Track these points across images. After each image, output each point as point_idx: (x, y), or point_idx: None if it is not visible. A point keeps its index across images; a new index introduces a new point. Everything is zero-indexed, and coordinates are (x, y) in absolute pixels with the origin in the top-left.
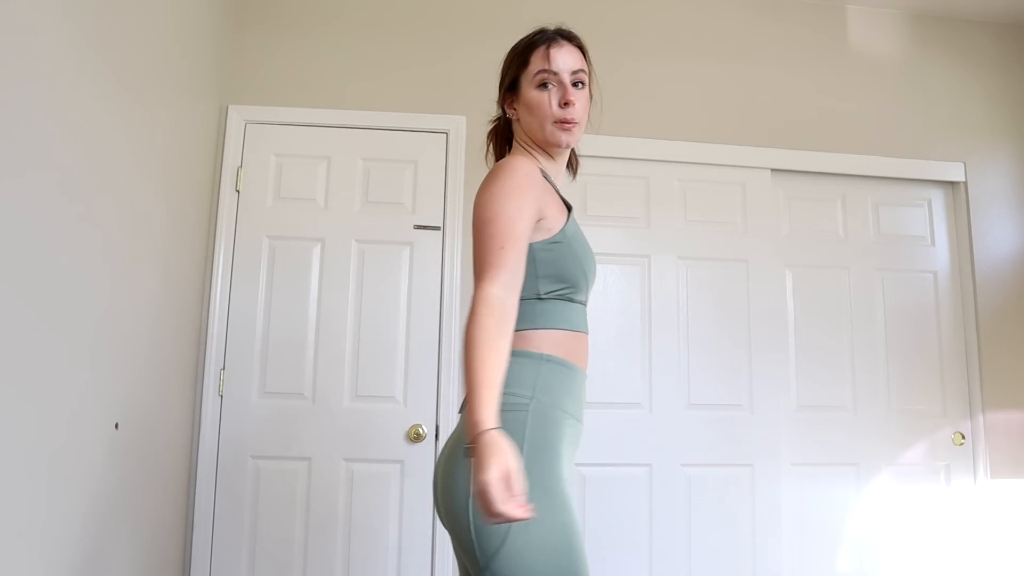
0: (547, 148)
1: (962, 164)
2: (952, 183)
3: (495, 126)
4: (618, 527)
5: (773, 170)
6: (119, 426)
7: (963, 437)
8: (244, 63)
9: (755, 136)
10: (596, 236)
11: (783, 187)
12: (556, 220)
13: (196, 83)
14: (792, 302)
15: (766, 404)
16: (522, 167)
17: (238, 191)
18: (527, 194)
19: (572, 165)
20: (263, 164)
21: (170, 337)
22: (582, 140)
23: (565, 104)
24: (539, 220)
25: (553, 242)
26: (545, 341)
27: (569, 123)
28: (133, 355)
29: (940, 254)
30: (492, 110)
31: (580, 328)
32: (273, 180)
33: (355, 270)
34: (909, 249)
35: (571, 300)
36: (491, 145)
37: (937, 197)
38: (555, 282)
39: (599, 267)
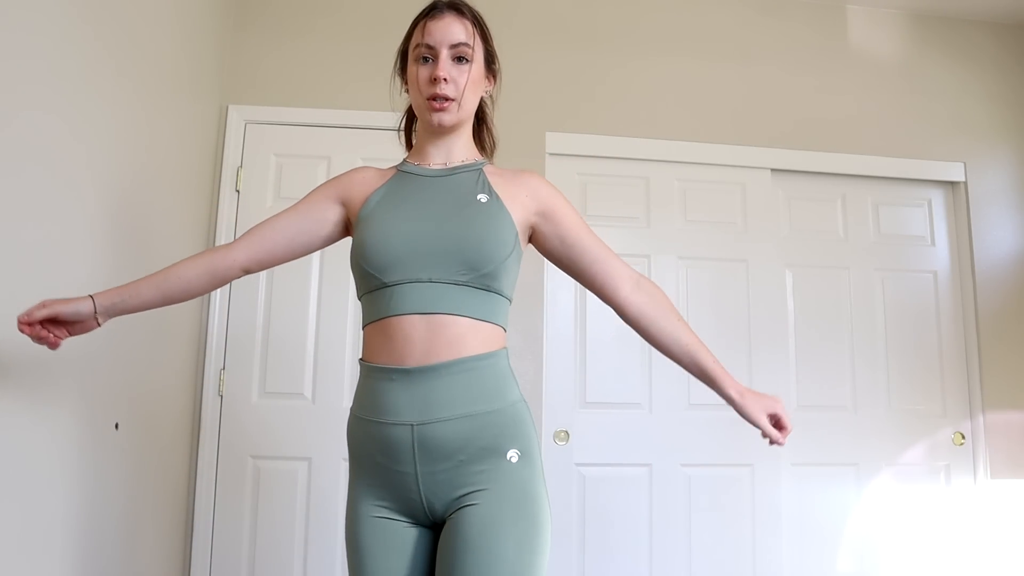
0: (429, 130)
1: (962, 164)
2: (952, 183)
3: (408, 110)
4: (618, 527)
5: (773, 170)
6: (119, 426)
7: (963, 437)
8: (244, 63)
9: (755, 136)
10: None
11: (783, 187)
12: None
13: (196, 83)
14: (792, 302)
15: None
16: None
17: (238, 191)
18: (328, 184)
19: (484, 143)
20: (263, 164)
21: (170, 337)
22: (581, 138)
23: (433, 80)
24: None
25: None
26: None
27: (439, 100)
28: (133, 355)
29: (940, 254)
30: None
31: (383, 314)
32: (273, 180)
33: None
34: (909, 249)
35: (373, 291)
36: (401, 123)
37: (937, 197)
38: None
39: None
